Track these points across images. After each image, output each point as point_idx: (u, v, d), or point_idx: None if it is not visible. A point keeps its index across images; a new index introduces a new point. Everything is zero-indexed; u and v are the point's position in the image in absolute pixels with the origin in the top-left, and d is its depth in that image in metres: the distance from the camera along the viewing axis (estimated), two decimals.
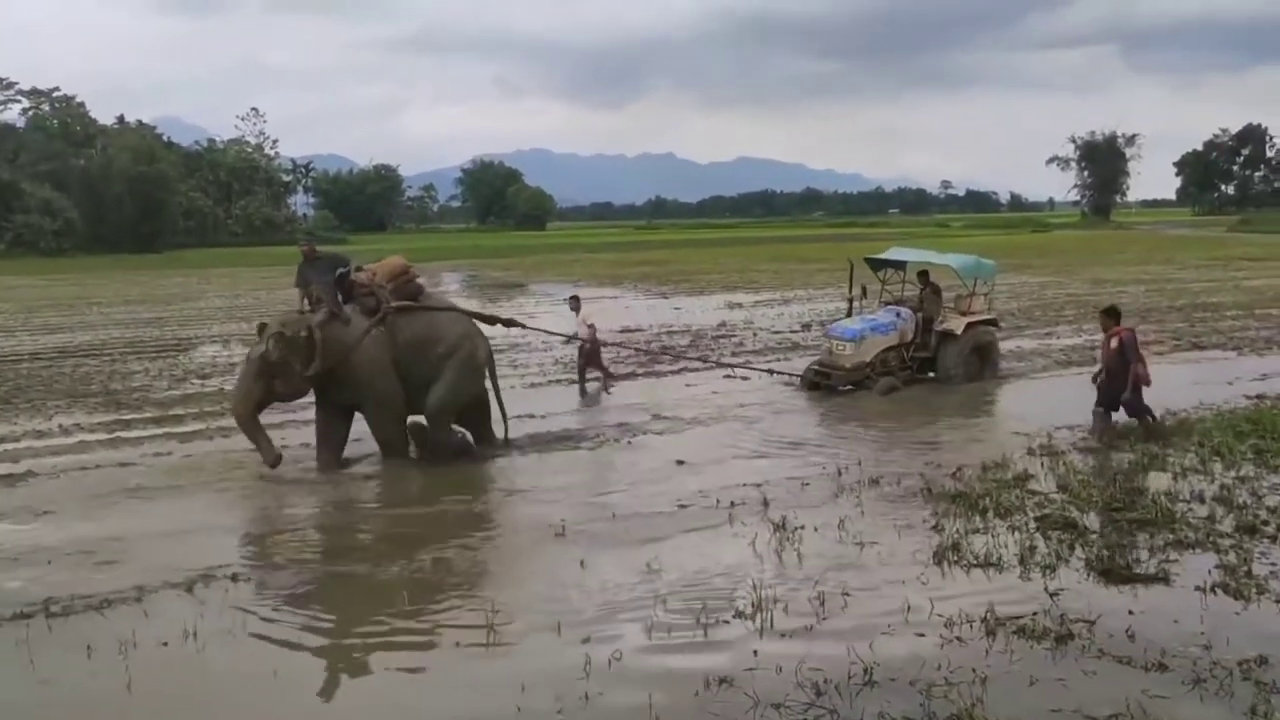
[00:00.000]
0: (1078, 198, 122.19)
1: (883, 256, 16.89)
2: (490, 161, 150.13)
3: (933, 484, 9.80)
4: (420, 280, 11.84)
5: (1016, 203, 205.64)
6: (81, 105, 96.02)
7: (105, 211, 76.87)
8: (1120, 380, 11.34)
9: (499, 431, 12.03)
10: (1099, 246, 59.27)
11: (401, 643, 6.71)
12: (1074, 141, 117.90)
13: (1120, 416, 11.68)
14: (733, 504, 9.40)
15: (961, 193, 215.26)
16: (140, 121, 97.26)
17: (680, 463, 11.13)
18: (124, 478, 10.73)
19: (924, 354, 15.46)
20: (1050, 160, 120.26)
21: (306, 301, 11.36)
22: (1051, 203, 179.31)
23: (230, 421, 13.38)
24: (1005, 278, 36.45)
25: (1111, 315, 11.86)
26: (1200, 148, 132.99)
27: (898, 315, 15.44)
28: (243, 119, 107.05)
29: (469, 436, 11.95)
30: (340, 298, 11.06)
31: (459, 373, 11.34)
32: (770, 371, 16.20)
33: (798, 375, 15.60)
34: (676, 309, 28.39)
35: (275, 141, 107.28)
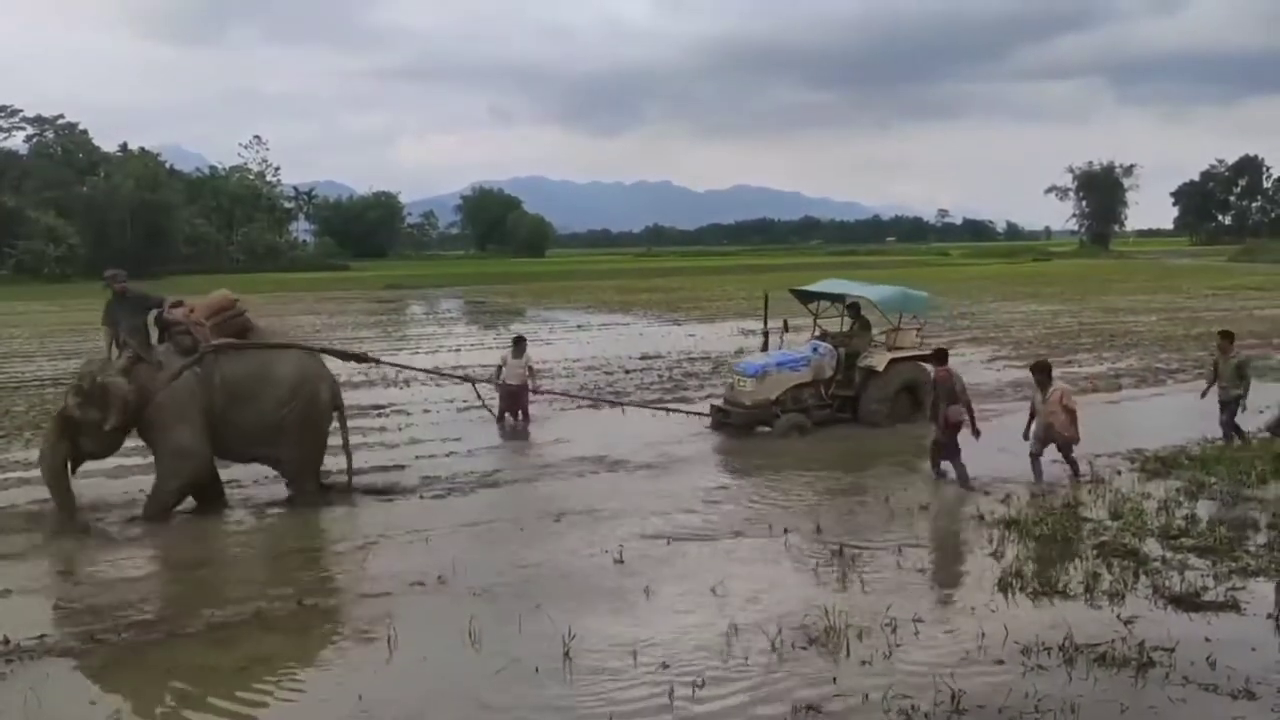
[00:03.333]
0: (1076, 227, 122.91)
1: (811, 289, 16.13)
2: (489, 189, 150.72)
3: (984, 511, 9.80)
4: (248, 315, 10.80)
5: (1013, 231, 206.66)
6: (84, 133, 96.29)
7: (109, 238, 76.72)
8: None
9: (340, 478, 11.10)
10: (1102, 275, 59.48)
11: (474, 669, 6.66)
12: (1072, 171, 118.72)
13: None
14: (786, 530, 9.40)
15: (959, 221, 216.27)
16: (143, 149, 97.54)
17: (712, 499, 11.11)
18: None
19: (847, 392, 14.46)
20: (1049, 190, 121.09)
21: (115, 345, 10.45)
22: (1048, 231, 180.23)
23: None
24: (1016, 306, 36.79)
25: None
26: (1197, 178, 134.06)
27: (814, 350, 14.51)
28: (245, 146, 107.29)
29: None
30: (156, 338, 10.30)
31: (304, 423, 10.39)
32: (680, 411, 15.26)
33: (705, 414, 14.76)
34: (691, 335, 28.43)
35: (277, 169, 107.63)
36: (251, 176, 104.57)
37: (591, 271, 76.03)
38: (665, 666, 6.49)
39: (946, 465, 11.23)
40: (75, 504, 10.01)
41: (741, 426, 13.97)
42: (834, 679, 6.24)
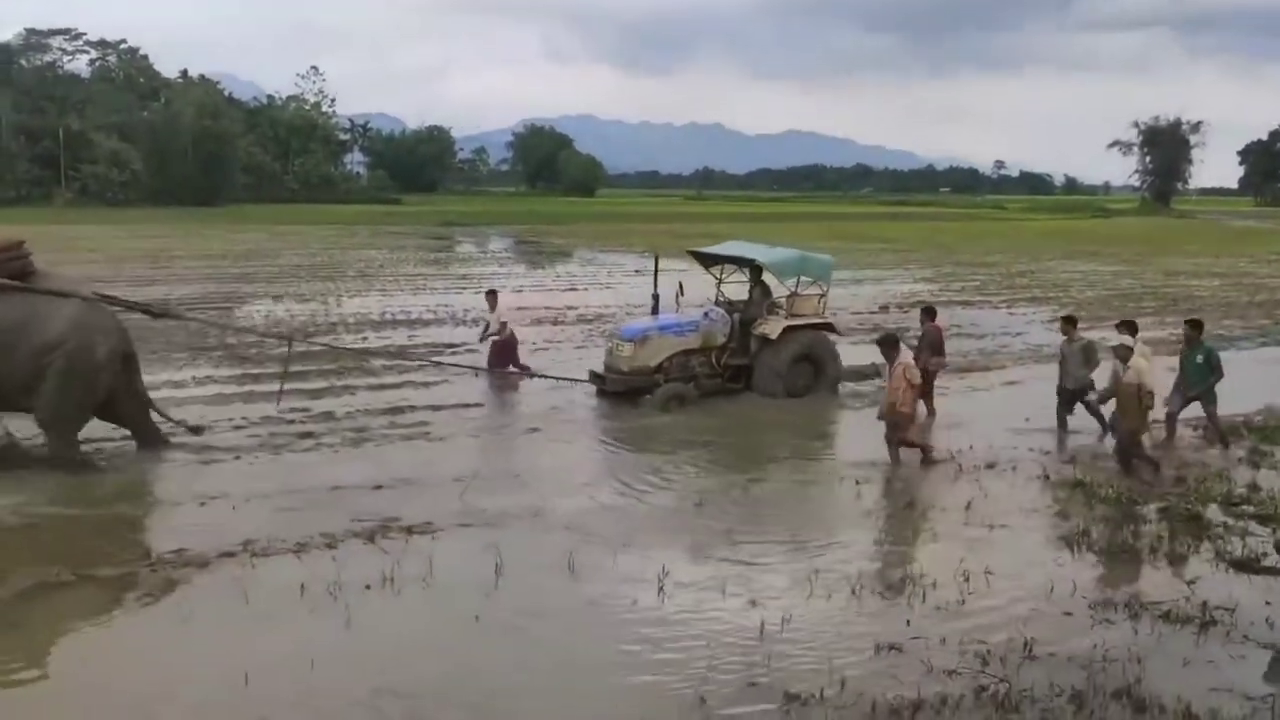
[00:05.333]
0: (1138, 183, 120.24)
1: (710, 250, 15.06)
2: (540, 126, 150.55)
3: (1050, 470, 10.16)
4: (31, 259, 10.14)
5: (1071, 185, 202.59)
6: (145, 58, 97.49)
7: (169, 164, 77.95)
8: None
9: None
10: (1164, 236, 58.60)
11: (574, 601, 7.20)
12: (1137, 126, 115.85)
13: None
14: (857, 482, 9.84)
15: (1015, 174, 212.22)
16: (203, 76, 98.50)
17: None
18: (281, 430, 11.39)
19: (741, 360, 13.55)
20: (1112, 144, 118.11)
21: None
22: (1107, 186, 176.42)
23: (356, 379, 14.07)
24: (1076, 265, 36.51)
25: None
26: (1265, 137, 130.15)
27: (706, 315, 13.59)
28: (302, 77, 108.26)
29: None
30: None
31: (65, 377, 9.61)
32: (558, 379, 14.18)
33: (583, 380, 13.76)
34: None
35: (333, 100, 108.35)
36: (308, 107, 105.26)
37: (643, 214, 75.98)
38: (753, 604, 7.00)
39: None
40: None
41: (621, 394, 13.07)
42: (907, 621, 6.71)
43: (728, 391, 13.42)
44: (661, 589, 7.17)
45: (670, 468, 10.35)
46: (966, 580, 7.40)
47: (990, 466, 10.41)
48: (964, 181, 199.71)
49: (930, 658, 6.19)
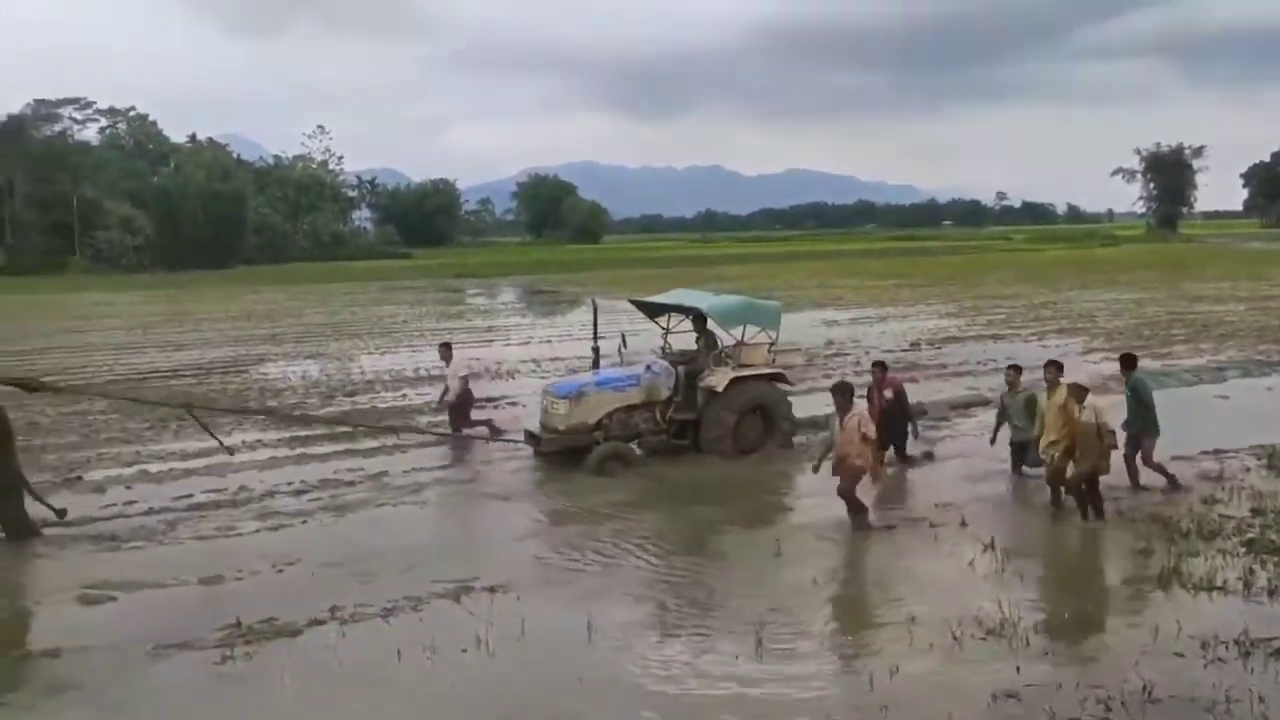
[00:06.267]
0: (1142, 209, 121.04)
1: (653, 299, 14.39)
2: (543, 174, 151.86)
3: (1124, 509, 10.05)
4: None
5: (1074, 214, 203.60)
6: (154, 123, 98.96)
7: (181, 228, 78.77)
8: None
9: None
10: (1177, 261, 58.57)
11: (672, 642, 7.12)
12: (1139, 153, 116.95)
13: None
14: (932, 525, 9.75)
15: (1017, 204, 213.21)
16: (211, 139, 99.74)
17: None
18: (338, 494, 11.37)
19: (687, 415, 12.67)
20: (1115, 172, 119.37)
21: None
22: (1110, 214, 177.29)
23: (407, 439, 14.01)
24: (1096, 294, 36.46)
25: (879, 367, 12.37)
26: (1267, 158, 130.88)
27: (648, 368, 12.80)
28: (309, 136, 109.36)
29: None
30: None
31: None
32: (496, 440, 13.65)
33: (519, 442, 13.09)
34: None
35: (340, 158, 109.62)
36: (315, 166, 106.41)
37: (650, 259, 76.03)
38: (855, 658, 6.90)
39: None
40: None
41: (556, 454, 12.34)
42: (1017, 668, 6.60)
43: (676, 449, 12.60)
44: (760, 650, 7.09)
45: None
46: (1066, 622, 7.29)
47: (1059, 505, 10.31)
48: (967, 213, 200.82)
49: (1052, 705, 6.09)
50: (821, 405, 13.55)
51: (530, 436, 12.77)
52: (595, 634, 7.29)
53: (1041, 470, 10.42)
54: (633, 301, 14.68)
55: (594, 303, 14.58)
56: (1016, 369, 11.89)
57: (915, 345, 23.46)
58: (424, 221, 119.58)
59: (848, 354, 22.23)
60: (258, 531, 10.10)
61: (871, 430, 9.82)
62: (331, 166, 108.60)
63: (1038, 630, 7.18)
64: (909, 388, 13.23)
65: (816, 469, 10.12)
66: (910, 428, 12.21)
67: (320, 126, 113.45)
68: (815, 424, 13.17)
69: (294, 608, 7.82)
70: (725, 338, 13.16)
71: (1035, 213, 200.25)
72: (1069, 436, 9.73)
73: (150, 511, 10.69)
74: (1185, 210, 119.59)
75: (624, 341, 13.47)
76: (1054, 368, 10.58)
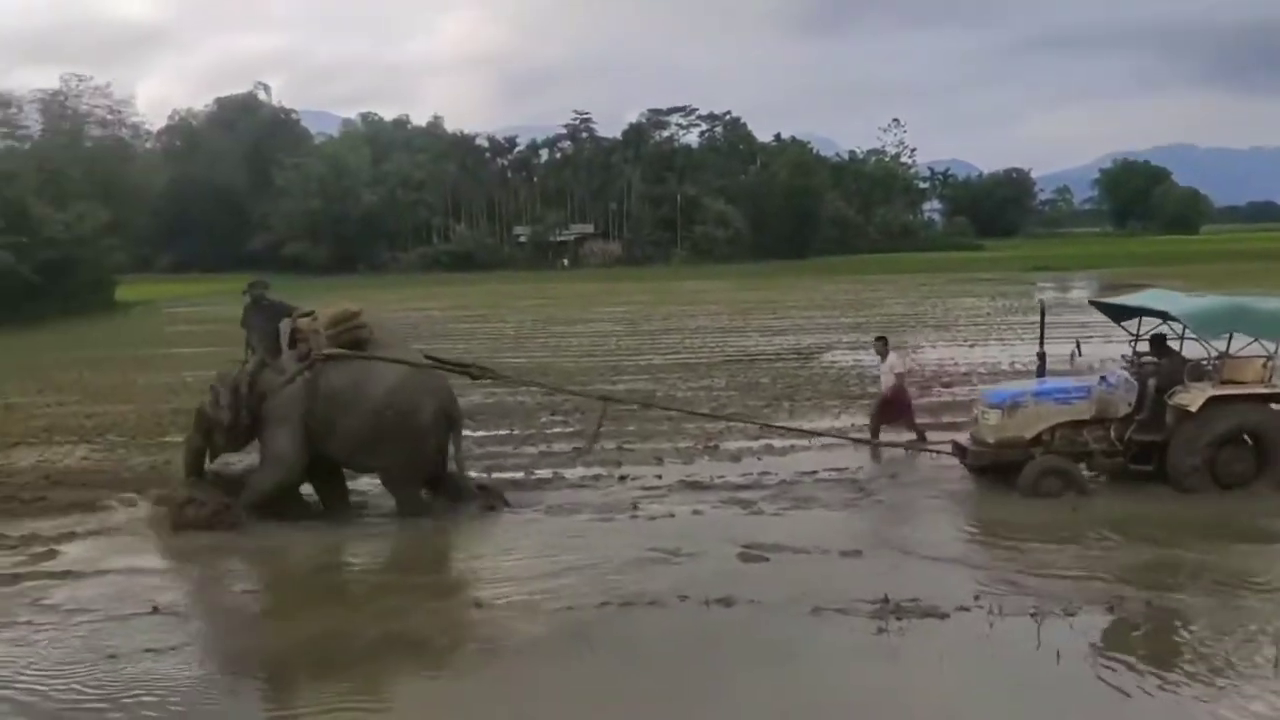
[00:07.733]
0: None
1: (1119, 301, 12.63)
2: (1131, 160, 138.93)
3: None
4: (367, 329, 10.83)
5: None
6: (745, 125, 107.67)
7: (766, 221, 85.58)
8: None
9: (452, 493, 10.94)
10: None
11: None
12: None
13: None
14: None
15: None
16: (794, 138, 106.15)
17: None
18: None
19: (1152, 437, 10.68)
20: None
21: (248, 348, 11.15)
22: None
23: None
24: None
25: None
26: None
27: (1103, 379, 11.22)
28: (884, 130, 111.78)
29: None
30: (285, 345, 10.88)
31: (396, 437, 10.33)
32: (920, 449, 12.71)
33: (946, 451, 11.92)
34: None
35: (913, 151, 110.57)
36: (888, 159, 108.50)
37: (1258, 253, 64.92)
38: None
39: None
40: (199, 498, 10.45)
41: (985, 470, 11.19)
42: None
43: (1136, 475, 10.84)
44: None
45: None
46: None
47: None
48: None
49: None
50: None
51: (958, 448, 11.74)
52: None
53: None
54: (1093, 303, 13.63)
55: (1041, 304, 13.52)
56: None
57: None
58: (995, 211, 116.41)
59: None
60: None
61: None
62: (904, 159, 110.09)
63: None
64: None
65: None
66: None
67: (895, 120, 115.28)
68: None
69: (937, 592, 8.01)
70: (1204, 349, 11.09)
71: None
72: None
73: (782, 483, 11.64)
74: None
75: (1078, 348, 12.31)
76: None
